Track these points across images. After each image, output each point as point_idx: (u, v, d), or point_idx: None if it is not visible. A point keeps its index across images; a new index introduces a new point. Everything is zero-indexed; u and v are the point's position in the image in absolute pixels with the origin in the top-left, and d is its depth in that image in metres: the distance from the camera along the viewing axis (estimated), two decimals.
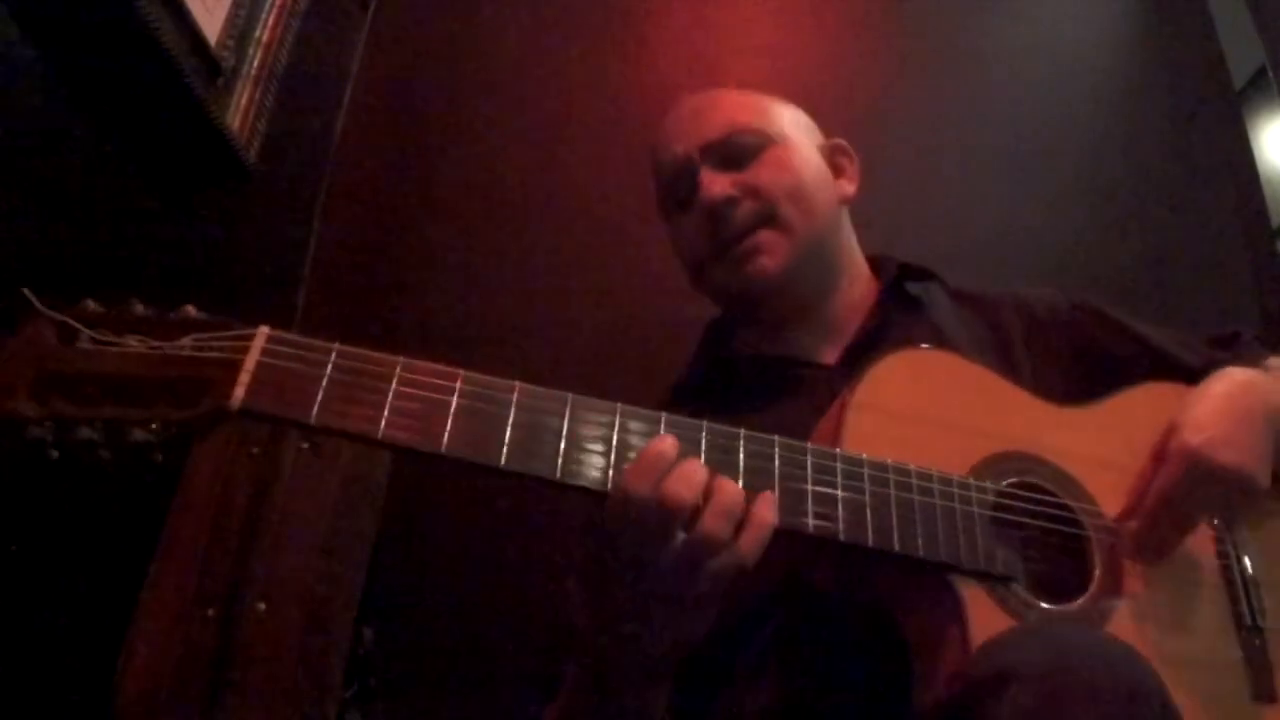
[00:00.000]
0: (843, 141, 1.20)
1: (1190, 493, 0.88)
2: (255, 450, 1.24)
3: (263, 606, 1.14)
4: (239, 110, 1.45)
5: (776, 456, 0.79)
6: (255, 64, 1.50)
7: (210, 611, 1.13)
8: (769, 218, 1.06)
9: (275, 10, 1.57)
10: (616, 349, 1.67)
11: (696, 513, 0.72)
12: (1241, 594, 0.92)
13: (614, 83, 1.95)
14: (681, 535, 0.72)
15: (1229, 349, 1.11)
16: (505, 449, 0.73)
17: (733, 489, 0.74)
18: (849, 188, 1.17)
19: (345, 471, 1.29)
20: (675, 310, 1.73)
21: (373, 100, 1.92)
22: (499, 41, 1.99)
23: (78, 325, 0.73)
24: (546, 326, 1.68)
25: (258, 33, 1.52)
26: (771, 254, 1.06)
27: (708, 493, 0.73)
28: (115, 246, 1.25)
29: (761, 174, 1.08)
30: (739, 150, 1.09)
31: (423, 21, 2.01)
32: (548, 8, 2.03)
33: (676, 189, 1.12)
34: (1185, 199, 1.94)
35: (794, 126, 1.15)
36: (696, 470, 0.73)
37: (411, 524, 1.52)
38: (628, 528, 0.73)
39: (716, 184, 1.07)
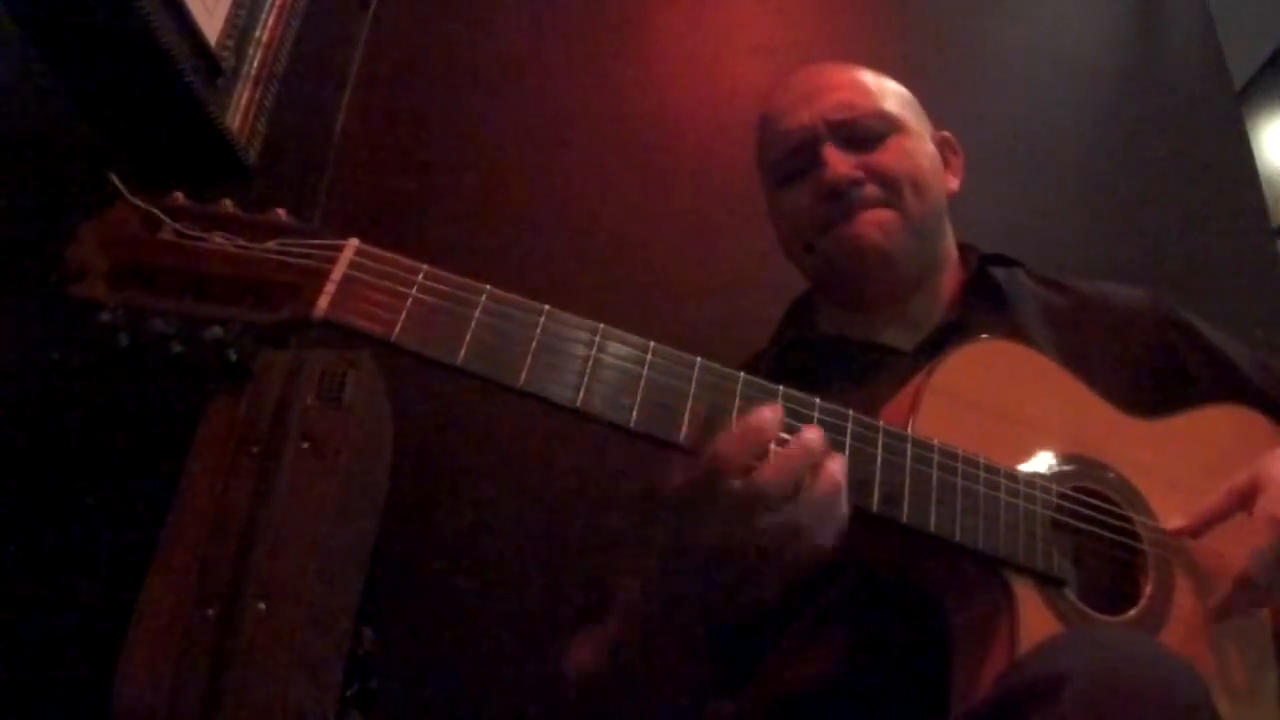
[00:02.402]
0: (950, 135, 1.20)
1: (1277, 564, 0.85)
2: (255, 450, 1.23)
3: (263, 606, 1.14)
4: (239, 110, 1.45)
5: (849, 431, 0.79)
6: (255, 64, 1.50)
7: (210, 611, 1.13)
8: (889, 202, 1.06)
9: (275, 10, 1.57)
10: None
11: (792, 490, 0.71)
12: None
13: (614, 83, 1.95)
14: (769, 517, 0.71)
15: None
16: (584, 391, 0.73)
17: (833, 476, 0.73)
18: (954, 182, 1.17)
19: (345, 472, 1.28)
20: (676, 310, 1.73)
21: (373, 100, 1.92)
22: (499, 41, 1.99)
23: (162, 216, 0.71)
24: None
25: (258, 33, 1.52)
26: (886, 231, 1.06)
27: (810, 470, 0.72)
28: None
29: (886, 159, 1.08)
30: (865, 133, 1.09)
31: (423, 21, 2.01)
32: (548, 8, 2.03)
33: (793, 161, 1.10)
34: (1185, 199, 1.94)
35: (916, 115, 1.15)
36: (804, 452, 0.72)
37: (411, 524, 1.52)
38: (710, 501, 0.72)
39: (842, 163, 1.06)
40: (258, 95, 1.50)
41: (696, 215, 1.81)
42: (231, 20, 1.43)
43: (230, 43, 1.42)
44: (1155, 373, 1.07)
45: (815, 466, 0.73)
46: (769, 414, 0.73)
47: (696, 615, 0.81)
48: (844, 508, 0.74)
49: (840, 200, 1.06)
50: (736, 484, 0.71)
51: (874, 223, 1.06)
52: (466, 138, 1.89)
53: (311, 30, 1.69)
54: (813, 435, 0.74)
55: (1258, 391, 1.07)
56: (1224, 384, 1.08)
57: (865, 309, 1.11)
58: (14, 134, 1.10)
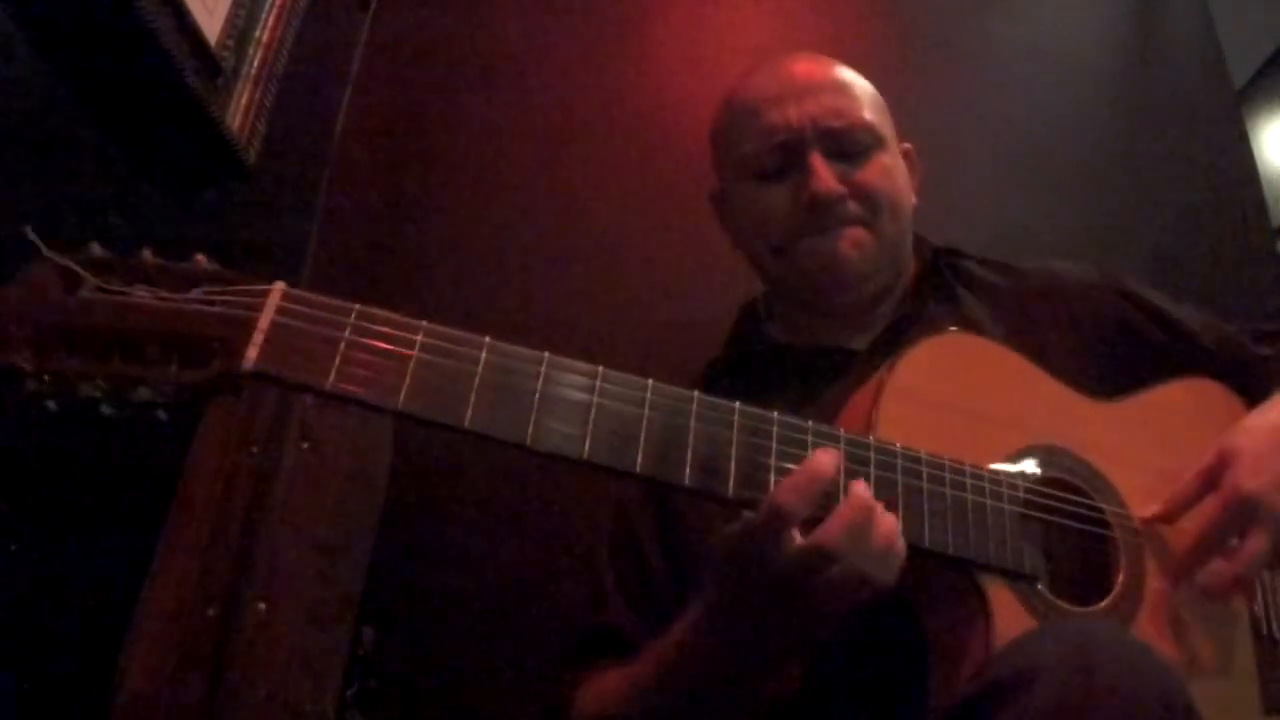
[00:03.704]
0: (911, 148, 1.20)
1: (1241, 535, 0.86)
2: (255, 450, 1.23)
3: (263, 606, 1.14)
4: (239, 110, 1.45)
5: (809, 443, 0.78)
6: (255, 64, 1.50)
7: (210, 611, 1.13)
8: (867, 222, 1.07)
9: (275, 10, 1.56)
10: (617, 348, 1.66)
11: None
12: (1261, 604, 0.91)
13: (614, 83, 1.95)
14: (836, 569, 0.73)
15: (1273, 346, 1.10)
16: (532, 426, 0.71)
17: (890, 527, 0.76)
18: (914, 197, 1.17)
19: (345, 471, 1.28)
20: (676, 310, 1.73)
21: (373, 100, 1.92)
22: (499, 41, 1.99)
23: (82, 272, 0.69)
24: (546, 326, 1.67)
25: (258, 33, 1.52)
26: (862, 251, 1.06)
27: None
28: (114, 247, 1.25)
29: (870, 178, 1.07)
30: (853, 146, 1.08)
31: (423, 21, 2.01)
32: (548, 8, 2.03)
33: (772, 159, 1.08)
34: (1185, 199, 1.94)
35: (888, 124, 1.14)
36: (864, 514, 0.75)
37: (411, 524, 1.51)
38: (774, 553, 0.73)
39: (830, 176, 1.05)
40: (258, 95, 1.49)
41: (696, 215, 1.80)
42: (231, 20, 1.43)
43: (230, 43, 1.42)
44: (1110, 344, 1.08)
45: (871, 519, 0.75)
46: (826, 459, 0.75)
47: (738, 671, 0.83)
48: (901, 549, 0.76)
49: (822, 213, 1.05)
50: (799, 540, 0.72)
51: (852, 241, 1.05)
52: (466, 137, 1.89)
53: (311, 30, 1.69)
54: (862, 491, 0.75)
55: (1208, 350, 1.08)
56: (1177, 346, 1.08)
57: (818, 312, 1.12)
58: (13, 134, 1.10)
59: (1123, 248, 1.87)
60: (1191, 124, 2.03)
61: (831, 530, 0.72)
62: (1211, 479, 0.89)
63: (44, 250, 0.69)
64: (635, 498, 1.08)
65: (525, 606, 1.51)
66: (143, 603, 1.14)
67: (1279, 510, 0.86)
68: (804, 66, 1.13)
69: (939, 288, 1.12)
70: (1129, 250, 1.87)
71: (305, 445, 1.25)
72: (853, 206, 1.06)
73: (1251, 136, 2.11)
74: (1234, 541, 0.86)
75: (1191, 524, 0.89)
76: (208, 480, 1.22)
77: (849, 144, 1.08)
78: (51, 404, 0.67)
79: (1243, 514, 0.86)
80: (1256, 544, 0.85)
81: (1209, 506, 0.87)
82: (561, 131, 1.90)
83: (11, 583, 1.07)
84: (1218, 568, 0.86)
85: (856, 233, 1.06)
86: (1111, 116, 2.02)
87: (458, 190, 1.84)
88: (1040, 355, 0.97)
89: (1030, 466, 0.87)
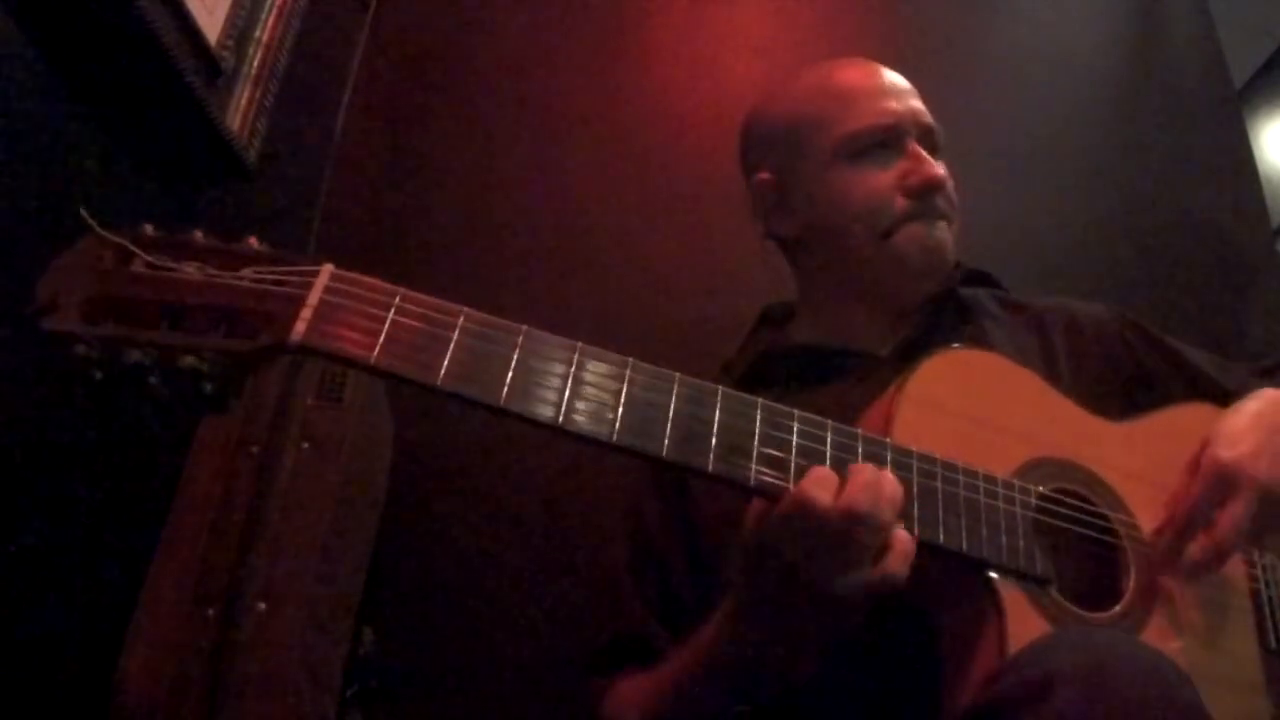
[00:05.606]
0: None
1: (1220, 506, 0.88)
2: (255, 450, 1.23)
3: (263, 606, 1.14)
4: (239, 110, 1.45)
5: (829, 440, 0.79)
6: (255, 64, 1.50)
7: (210, 611, 1.13)
8: (950, 218, 1.11)
9: (275, 10, 1.56)
10: (618, 349, 1.67)
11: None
12: (1268, 617, 0.92)
13: (614, 83, 1.95)
14: (864, 530, 0.74)
15: (1272, 377, 1.12)
16: (564, 407, 0.74)
17: (894, 486, 0.76)
18: None
19: (345, 471, 1.28)
20: (676, 310, 1.73)
21: (373, 100, 1.92)
22: (499, 41, 1.99)
23: (134, 248, 0.71)
24: (547, 327, 1.67)
25: (258, 33, 1.52)
26: (947, 242, 1.11)
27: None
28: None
29: (949, 178, 1.12)
30: (933, 146, 1.13)
31: (423, 21, 2.01)
32: (548, 8, 2.03)
33: (873, 138, 1.10)
34: (1185, 199, 1.94)
35: None
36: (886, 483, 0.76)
37: (412, 524, 1.52)
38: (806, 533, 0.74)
39: (938, 164, 1.10)
40: (258, 95, 1.49)
41: (696, 215, 1.81)
42: (231, 20, 1.43)
43: (230, 43, 1.42)
44: (1118, 377, 1.11)
45: (879, 476, 0.76)
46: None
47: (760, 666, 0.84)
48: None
49: (928, 200, 1.08)
50: (827, 509, 0.74)
51: (945, 233, 1.10)
52: (466, 138, 1.89)
53: (311, 30, 1.69)
54: (861, 465, 0.77)
55: (1216, 385, 1.10)
56: (1183, 379, 1.11)
57: (880, 309, 1.12)
58: (13, 133, 1.10)
59: (1123, 247, 1.87)
60: (1191, 124, 2.03)
61: (853, 491, 0.74)
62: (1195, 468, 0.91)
63: (96, 229, 0.71)
64: (654, 503, 1.08)
65: (525, 606, 1.51)
66: (143, 602, 1.14)
67: (1257, 475, 0.87)
68: (886, 70, 1.17)
69: (956, 307, 1.14)
70: (1128, 249, 1.87)
71: (305, 445, 1.25)
72: (942, 200, 1.10)
73: (1251, 136, 2.11)
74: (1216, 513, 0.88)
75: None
76: (208, 480, 1.22)
77: (931, 144, 1.12)
78: (98, 372, 0.68)
79: (1221, 482, 0.88)
80: (1234, 510, 0.86)
81: (1192, 485, 0.90)
82: (562, 131, 1.90)
83: (11, 583, 1.07)
84: (1200, 540, 0.87)
85: (946, 225, 1.10)
86: (1111, 117, 2.02)
87: (458, 190, 1.84)
88: (1051, 379, 0.99)
89: (1041, 477, 0.88)
